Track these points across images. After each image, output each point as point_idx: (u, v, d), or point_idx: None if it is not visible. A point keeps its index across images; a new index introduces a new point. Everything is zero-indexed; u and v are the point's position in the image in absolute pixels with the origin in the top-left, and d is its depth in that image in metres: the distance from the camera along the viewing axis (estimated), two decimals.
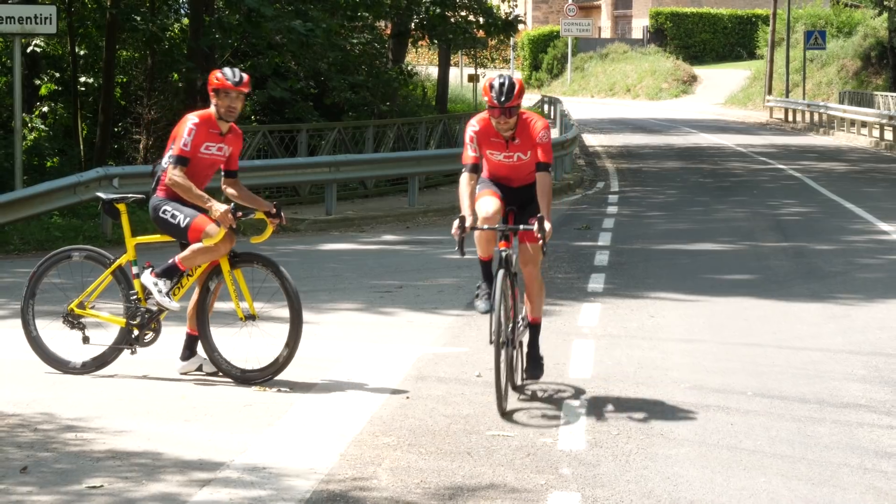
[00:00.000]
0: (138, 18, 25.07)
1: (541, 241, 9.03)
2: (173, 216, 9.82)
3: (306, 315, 10.23)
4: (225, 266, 9.89)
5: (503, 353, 8.98)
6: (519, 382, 9.69)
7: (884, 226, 20.52)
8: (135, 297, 10.06)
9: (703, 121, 56.44)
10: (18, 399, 9.34)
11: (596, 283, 14.92)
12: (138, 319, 10.07)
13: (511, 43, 66.77)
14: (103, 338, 10.19)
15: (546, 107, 55.47)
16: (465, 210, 9.09)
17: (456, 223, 8.97)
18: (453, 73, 48.48)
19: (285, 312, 9.85)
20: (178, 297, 9.98)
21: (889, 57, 56.31)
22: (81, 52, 27.12)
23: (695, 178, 30.36)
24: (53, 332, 10.27)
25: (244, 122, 25.31)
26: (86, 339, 10.18)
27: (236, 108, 9.94)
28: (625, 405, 9.29)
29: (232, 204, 9.93)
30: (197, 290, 10.03)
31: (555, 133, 36.71)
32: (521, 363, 9.69)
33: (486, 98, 9.14)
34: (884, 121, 41.04)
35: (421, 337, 11.83)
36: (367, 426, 8.67)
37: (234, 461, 7.83)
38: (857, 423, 8.86)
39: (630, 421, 8.84)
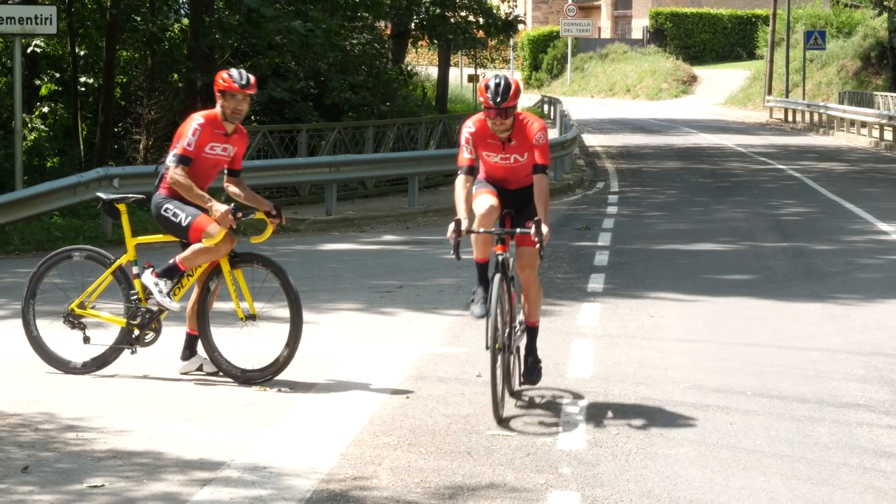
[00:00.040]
0: (138, 19, 25.08)
1: (538, 245, 8.88)
2: (175, 215, 9.83)
3: (306, 315, 10.25)
4: (225, 266, 9.90)
5: (500, 358, 8.84)
6: (517, 388, 9.58)
7: (883, 226, 20.52)
8: (135, 297, 10.07)
9: (703, 121, 56.42)
10: (19, 399, 9.35)
11: (595, 283, 14.92)
12: (139, 319, 10.08)
13: (511, 43, 66.73)
14: (104, 338, 10.20)
15: (546, 107, 55.54)
16: (461, 213, 8.93)
17: (451, 226, 8.82)
18: (453, 73, 48.47)
19: (285, 312, 9.86)
20: (178, 298, 9.99)
21: (889, 57, 56.30)
22: (81, 53, 27.14)
23: (694, 179, 30.35)
24: (54, 332, 10.28)
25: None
26: (86, 339, 10.19)
27: (242, 110, 9.98)
28: (624, 405, 9.30)
29: (232, 204, 9.94)
30: (196, 290, 10.04)
31: (554, 133, 36.71)
32: (518, 368, 9.54)
33: (482, 99, 9.01)
34: (883, 121, 41.03)
35: (421, 337, 11.84)
36: (367, 426, 8.68)
37: (235, 461, 7.84)
38: (857, 422, 8.87)
39: (630, 420, 8.84)
